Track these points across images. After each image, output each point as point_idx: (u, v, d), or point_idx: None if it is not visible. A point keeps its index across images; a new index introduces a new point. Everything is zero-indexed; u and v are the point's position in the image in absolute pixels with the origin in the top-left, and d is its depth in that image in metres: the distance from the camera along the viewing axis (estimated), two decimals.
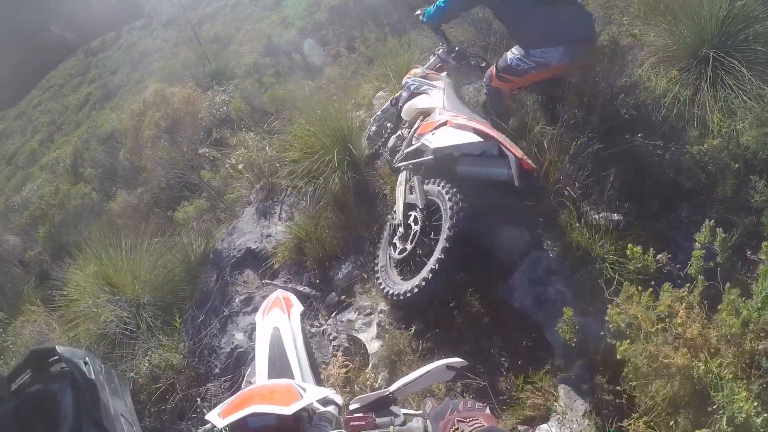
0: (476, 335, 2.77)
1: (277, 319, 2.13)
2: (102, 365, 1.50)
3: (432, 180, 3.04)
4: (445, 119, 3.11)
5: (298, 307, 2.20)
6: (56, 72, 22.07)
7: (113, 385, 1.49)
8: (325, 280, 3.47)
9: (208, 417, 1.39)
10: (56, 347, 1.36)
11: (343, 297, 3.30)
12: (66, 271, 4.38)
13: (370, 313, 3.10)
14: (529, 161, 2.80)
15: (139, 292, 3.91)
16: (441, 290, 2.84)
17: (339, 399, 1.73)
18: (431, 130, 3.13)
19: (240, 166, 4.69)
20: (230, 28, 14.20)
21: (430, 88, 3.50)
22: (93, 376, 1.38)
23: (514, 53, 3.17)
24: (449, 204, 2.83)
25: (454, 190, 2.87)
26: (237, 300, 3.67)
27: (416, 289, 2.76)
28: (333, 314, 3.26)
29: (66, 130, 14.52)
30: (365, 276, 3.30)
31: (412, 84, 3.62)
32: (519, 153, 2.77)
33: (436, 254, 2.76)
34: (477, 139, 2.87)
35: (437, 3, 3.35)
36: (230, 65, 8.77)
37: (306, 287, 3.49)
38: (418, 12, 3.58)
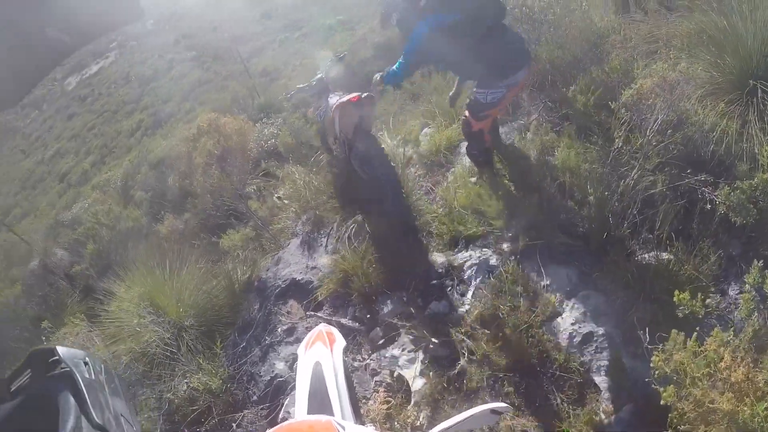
0: (522, 375, 2.73)
1: (319, 353, 2.14)
2: (102, 365, 1.52)
3: None
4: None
5: (341, 342, 2.21)
6: (110, 98, 23.14)
7: (113, 385, 1.51)
8: (369, 314, 3.47)
9: None
10: (56, 348, 1.38)
11: (387, 332, 3.29)
12: (112, 288, 4.48)
13: (414, 350, 3.08)
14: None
15: (182, 314, 3.98)
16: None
17: None
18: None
19: (286, 201, 4.79)
20: (278, 63, 14.67)
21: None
22: (93, 377, 1.40)
23: (480, 91, 3.37)
24: None
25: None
26: (280, 329, 3.69)
27: None
28: (376, 349, 3.25)
29: (117, 153, 15.10)
30: (411, 312, 3.30)
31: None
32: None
33: None
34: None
35: (392, 69, 3.56)
36: (278, 99, 9.03)
37: (350, 321, 3.49)
38: (377, 77, 3.76)
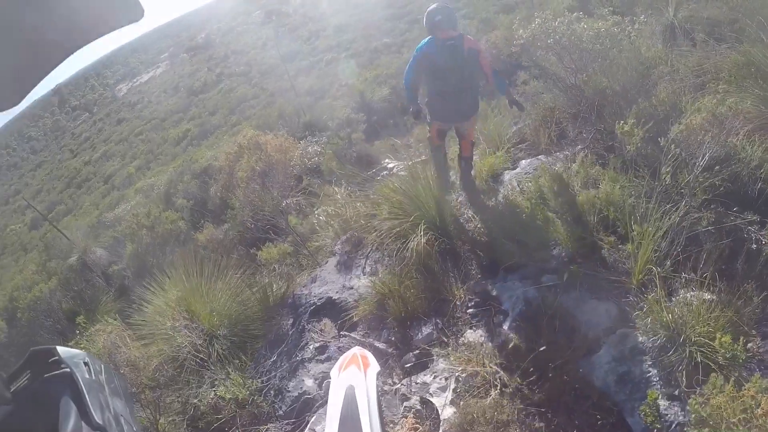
0: (554, 411, 2.66)
1: (353, 377, 2.14)
2: (102, 365, 1.52)
3: None
4: None
5: (375, 367, 2.21)
6: (159, 106, 23.90)
7: (113, 386, 1.51)
8: (404, 339, 3.44)
9: None
10: (56, 348, 1.39)
11: (420, 358, 3.26)
12: (148, 290, 4.56)
13: (446, 378, 3.04)
14: None
15: (215, 323, 4.03)
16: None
17: None
18: None
19: (325, 219, 4.83)
20: (324, 82, 14.93)
21: None
22: (93, 377, 1.40)
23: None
24: None
25: None
26: (311, 347, 3.69)
27: None
28: (408, 374, 3.21)
29: (163, 160, 15.51)
30: (445, 339, 3.26)
31: None
32: None
33: None
34: None
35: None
36: (323, 117, 9.17)
37: (384, 344, 3.47)
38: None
